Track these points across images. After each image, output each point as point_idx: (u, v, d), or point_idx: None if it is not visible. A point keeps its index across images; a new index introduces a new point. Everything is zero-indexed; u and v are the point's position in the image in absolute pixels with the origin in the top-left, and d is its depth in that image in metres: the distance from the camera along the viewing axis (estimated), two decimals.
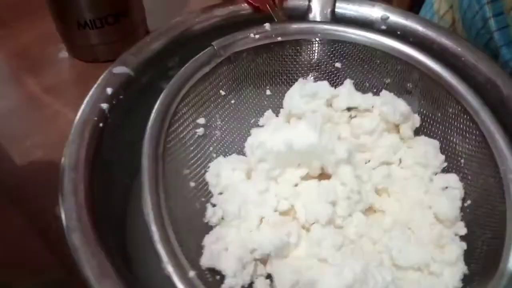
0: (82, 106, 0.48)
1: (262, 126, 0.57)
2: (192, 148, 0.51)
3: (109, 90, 0.49)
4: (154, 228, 0.40)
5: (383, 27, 0.59)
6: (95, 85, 0.50)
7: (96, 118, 0.47)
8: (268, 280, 0.47)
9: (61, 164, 0.45)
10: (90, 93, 0.49)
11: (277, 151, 0.48)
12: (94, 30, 0.72)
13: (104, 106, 0.48)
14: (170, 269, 0.38)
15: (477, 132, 0.50)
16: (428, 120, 0.55)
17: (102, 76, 0.51)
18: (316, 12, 0.58)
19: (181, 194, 0.47)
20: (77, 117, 0.47)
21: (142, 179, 0.42)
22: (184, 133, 0.50)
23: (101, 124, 0.47)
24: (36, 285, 0.51)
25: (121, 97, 0.49)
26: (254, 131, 0.55)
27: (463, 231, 0.49)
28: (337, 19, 0.58)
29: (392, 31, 0.57)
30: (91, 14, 0.70)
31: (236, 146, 0.56)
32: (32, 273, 0.54)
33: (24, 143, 0.69)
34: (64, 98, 0.74)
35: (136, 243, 0.46)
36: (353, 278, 0.42)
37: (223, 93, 0.54)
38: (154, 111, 0.46)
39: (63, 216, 0.42)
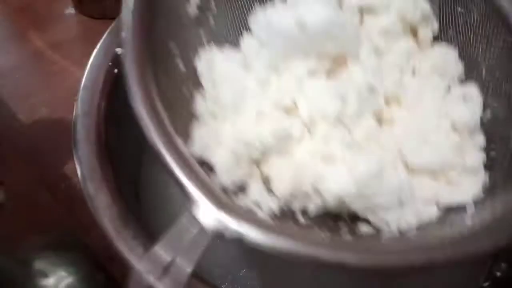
0: (95, 51, 0.45)
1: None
2: (184, 27, 0.45)
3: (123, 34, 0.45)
4: (138, 96, 0.34)
5: None
6: (108, 30, 0.47)
7: (110, 64, 0.45)
8: (264, 185, 0.42)
9: (74, 110, 0.43)
10: (103, 38, 0.46)
11: (287, 31, 0.43)
12: None
13: (120, 51, 0.45)
14: (156, 139, 0.33)
15: (507, 37, 0.44)
16: (449, 25, 0.49)
17: (114, 22, 0.47)
18: None
19: (170, 75, 0.41)
20: (90, 62, 0.45)
21: (124, 48, 0.37)
22: (176, 8, 0.44)
23: (115, 70, 0.44)
24: (49, 245, 0.49)
25: None
26: (256, 15, 0.47)
27: (482, 142, 0.44)
28: None
29: None
30: None
31: (231, 38, 0.49)
32: (42, 227, 0.53)
33: (29, 100, 0.67)
34: (70, 55, 0.72)
35: (150, 191, 0.44)
36: (368, 173, 0.37)
37: None
38: None
39: (77, 164, 0.40)
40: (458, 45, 0.49)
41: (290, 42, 0.43)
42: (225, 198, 0.34)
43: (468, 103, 0.45)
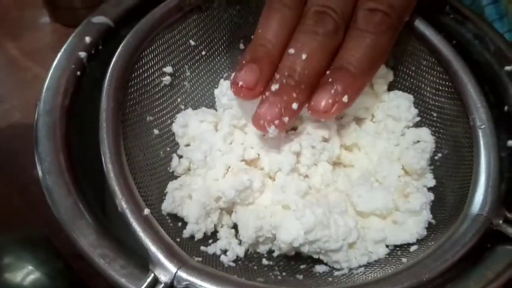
0: (59, 54, 0.47)
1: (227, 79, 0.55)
2: (157, 96, 0.50)
3: (87, 39, 0.47)
4: (109, 166, 0.39)
5: None
6: (73, 34, 0.49)
7: (73, 66, 0.46)
8: (233, 230, 0.47)
9: (36, 109, 0.44)
10: (68, 41, 0.48)
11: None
12: None
13: (82, 54, 0.47)
14: (123, 205, 0.38)
15: (450, 84, 0.49)
16: (402, 74, 0.54)
17: (80, 25, 0.50)
18: None
19: (144, 140, 0.47)
20: (54, 63, 0.47)
21: (100, 117, 0.41)
22: (149, 80, 0.49)
23: (78, 73, 0.46)
24: (16, 241, 0.51)
25: (100, 47, 0.48)
26: (221, 82, 0.54)
27: (431, 182, 0.49)
28: None
29: None
30: None
31: (207, 100, 0.55)
32: (11, 226, 0.54)
33: (3, 106, 0.69)
34: (44, 62, 0.74)
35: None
36: (314, 221, 0.42)
37: (193, 43, 0.53)
38: (116, 53, 0.45)
39: (36, 159, 0.41)
40: (412, 92, 0.53)
41: (250, 108, 0.47)
42: (183, 255, 0.38)
43: (419, 147, 0.49)
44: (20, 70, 0.74)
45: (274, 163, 0.46)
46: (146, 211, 0.38)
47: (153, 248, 0.36)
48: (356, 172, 0.49)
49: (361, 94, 0.52)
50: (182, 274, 0.36)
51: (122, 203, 0.38)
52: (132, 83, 0.46)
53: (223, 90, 0.50)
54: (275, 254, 0.46)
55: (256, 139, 0.48)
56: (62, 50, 0.48)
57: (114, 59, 0.45)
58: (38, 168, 0.41)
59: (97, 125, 0.43)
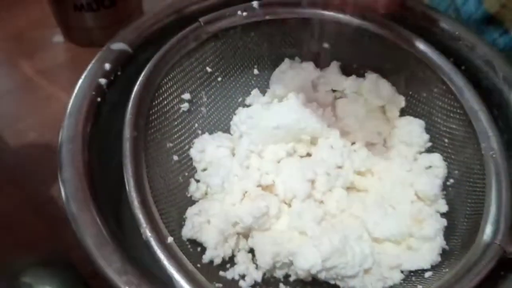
0: (80, 81, 0.48)
1: (248, 105, 0.57)
2: (176, 123, 0.51)
3: (107, 66, 0.49)
4: (133, 194, 0.40)
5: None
6: (93, 60, 0.50)
7: (94, 93, 0.48)
8: (250, 254, 0.48)
9: (59, 136, 0.45)
10: (88, 67, 0.49)
11: (263, 127, 0.50)
12: (90, 13, 0.72)
13: (102, 81, 0.48)
14: (148, 234, 0.39)
15: (461, 111, 0.50)
16: (413, 101, 0.55)
17: (100, 52, 0.51)
18: None
19: (164, 167, 0.48)
20: (75, 90, 0.48)
21: (123, 147, 0.43)
22: (168, 107, 0.50)
23: (98, 99, 0.48)
24: (35, 262, 0.52)
25: (119, 73, 0.49)
26: (239, 110, 0.56)
27: (444, 208, 0.50)
28: None
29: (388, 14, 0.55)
30: None
31: (222, 124, 0.56)
32: (29, 245, 0.55)
33: (17, 125, 0.70)
34: (58, 82, 0.75)
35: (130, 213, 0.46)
36: (331, 249, 0.43)
37: (209, 70, 0.54)
38: (137, 83, 0.47)
39: (61, 186, 0.42)
40: (424, 118, 0.54)
41: (267, 135, 0.50)
42: (205, 282, 0.39)
43: (432, 173, 0.50)
44: (34, 89, 0.75)
45: (289, 191, 0.48)
46: (170, 239, 0.39)
47: (177, 276, 0.37)
48: (370, 197, 0.50)
49: (373, 119, 0.54)
50: None
51: (147, 232, 0.39)
52: (153, 111, 0.48)
53: (242, 118, 0.52)
54: (291, 279, 0.47)
55: (271, 165, 0.50)
56: (83, 77, 0.49)
57: (135, 88, 0.46)
58: (63, 194, 0.42)
59: (115, 150, 0.45)
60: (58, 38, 0.80)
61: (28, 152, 0.67)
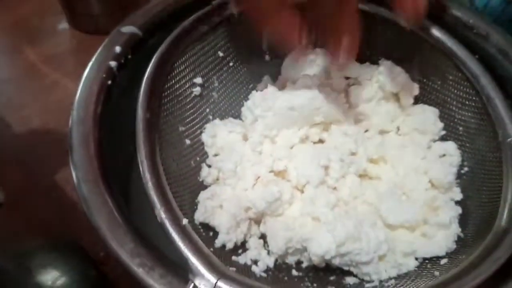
0: (90, 63, 0.48)
1: (260, 91, 0.56)
2: (188, 106, 0.50)
3: (117, 49, 0.48)
4: (147, 176, 0.40)
5: None
6: (104, 43, 0.50)
7: (104, 75, 0.47)
8: (261, 240, 0.47)
9: (70, 118, 0.45)
10: (99, 50, 0.49)
11: (278, 108, 0.49)
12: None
13: (113, 64, 0.48)
14: (162, 215, 0.38)
15: (477, 99, 0.49)
16: (428, 88, 0.54)
17: (110, 35, 0.50)
18: None
19: (177, 150, 0.47)
20: (85, 73, 0.47)
21: (137, 128, 0.42)
22: (181, 91, 0.50)
23: (109, 82, 0.47)
24: (46, 246, 0.51)
25: (129, 56, 0.49)
26: (253, 94, 0.55)
27: (458, 196, 0.49)
28: None
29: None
30: None
31: (233, 110, 0.56)
32: (37, 230, 0.56)
33: (22, 111, 0.69)
34: (63, 69, 0.75)
35: (139, 195, 0.44)
36: (346, 235, 0.42)
37: (221, 54, 0.54)
38: (150, 66, 0.46)
39: (72, 168, 0.42)
40: (438, 106, 0.53)
41: (282, 117, 0.49)
42: (221, 266, 0.38)
43: (446, 161, 0.50)
44: (39, 76, 0.74)
45: (302, 176, 0.47)
46: (185, 221, 0.39)
47: (193, 259, 0.37)
48: (383, 185, 0.49)
49: (386, 106, 0.53)
50: (222, 285, 0.36)
51: (161, 213, 0.38)
52: (166, 93, 0.47)
53: (256, 102, 0.51)
54: (303, 265, 0.46)
55: (284, 150, 0.49)
56: (93, 59, 0.49)
57: (148, 70, 0.46)
58: (74, 176, 0.41)
59: (126, 133, 0.44)
60: (63, 25, 0.79)
61: (34, 138, 0.67)
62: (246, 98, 0.56)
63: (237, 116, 0.55)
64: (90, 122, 0.44)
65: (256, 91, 0.56)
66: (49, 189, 0.60)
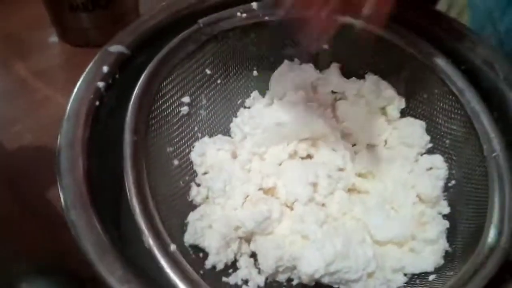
0: (78, 84, 0.48)
1: (248, 107, 0.57)
2: (176, 126, 0.51)
3: (105, 69, 0.48)
4: (135, 202, 0.40)
5: None
6: (91, 63, 0.49)
7: (92, 96, 0.47)
8: (251, 259, 0.47)
9: (58, 141, 0.44)
10: (86, 70, 0.49)
11: (266, 125, 0.49)
12: (86, 13, 0.72)
13: (100, 84, 0.48)
14: (150, 242, 0.38)
15: (462, 112, 0.50)
16: (414, 102, 0.55)
17: (97, 54, 0.50)
18: None
19: (165, 172, 0.47)
20: (73, 94, 0.47)
21: (124, 153, 0.42)
22: (168, 111, 0.50)
23: (97, 103, 0.47)
24: (32, 268, 0.52)
25: (116, 76, 0.49)
26: (241, 111, 0.55)
27: (446, 210, 0.50)
28: None
29: None
30: None
31: (222, 127, 0.56)
32: (27, 251, 0.55)
33: (13, 127, 0.69)
34: (54, 83, 0.74)
35: (129, 219, 0.44)
36: (334, 253, 0.43)
37: (209, 72, 0.54)
38: (137, 87, 0.46)
39: (61, 193, 0.42)
40: (424, 119, 0.54)
41: (270, 134, 0.50)
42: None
43: (433, 174, 0.50)
44: (30, 91, 0.73)
45: (291, 194, 0.47)
46: (173, 247, 0.39)
47: (181, 285, 0.37)
48: (371, 199, 0.50)
49: (373, 120, 0.53)
50: None
51: (149, 240, 0.38)
52: (153, 115, 0.47)
53: (245, 119, 0.52)
54: (294, 283, 0.46)
55: (273, 167, 0.49)
56: (81, 80, 0.49)
57: (135, 92, 0.46)
58: (62, 202, 0.41)
59: (114, 155, 0.44)
60: (53, 38, 0.79)
61: (25, 154, 0.66)
62: (235, 115, 0.56)
63: (226, 132, 0.55)
64: (78, 146, 0.44)
65: (245, 107, 0.56)
66: (39, 207, 0.60)
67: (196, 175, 0.51)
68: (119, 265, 0.38)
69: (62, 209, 0.42)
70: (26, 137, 0.67)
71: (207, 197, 0.50)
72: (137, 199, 0.40)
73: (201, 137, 0.53)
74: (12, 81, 0.75)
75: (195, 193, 0.49)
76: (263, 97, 0.57)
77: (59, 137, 0.45)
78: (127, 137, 0.43)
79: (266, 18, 0.54)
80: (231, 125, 0.55)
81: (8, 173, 0.64)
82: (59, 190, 0.42)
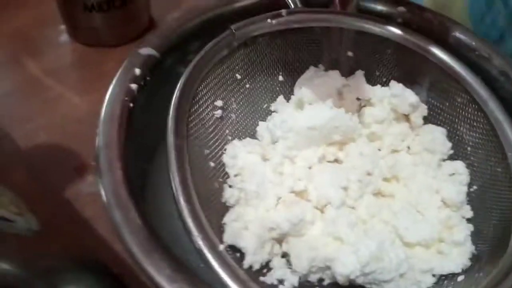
0: (111, 86, 0.49)
1: (274, 111, 0.58)
2: (211, 129, 0.52)
3: (137, 71, 0.50)
4: (182, 203, 0.41)
5: (399, 20, 0.60)
6: (123, 65, 0.51)
7: (126, 98, 0.48)
8: (284, 259, 0.49)
9: (96, 142, 0.46)
10: (118, 72, 0.50)
11: (299, 129, 0.51)
12: (100, 13, 0.72)
13: (134, 86, 0.49)
14: (200, 242, 0.39)
15: (485, 121, 0.52)
16: (436, 110, 0.57)
17: (128, 57, 0.52)
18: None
19: (204, 174, 0.49)
20: (107, 96, 0.48)
21: (169, 156, 0.43)
22: (204, 114, 0.51)
23: (131, 104, 0.48)
24: (69, 262, 0.52)
25: (148, 78, 0.50)
26: (272, 115, 0.57)
27: (469, 214, 0.51)
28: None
29: (407, 24, 0.59)
30: None
31: (249, 130, 0.57)
32: (63, 247, 0.54)
33: (26, 126, 0.67)
34: (66, 81, 0.73)
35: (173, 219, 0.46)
36: (369, 255, 0.44)
37: (239, 76, 0.55)
38: (176, 90, 0.47)
39: (102, 193, 0.43)
40: (446, 126, 0.56)
41: (302, 137, 0.52)
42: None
43: (456, 179, 0.52)
44: (42, 89, 0.73)
45: (323, 197, 0.49)
46: (221, 247, 0.40)
47: (231, 284, 0.38)
48: (397, 203, 0.51)
49: (397, 127, 0.55)
50: None
51: (199, 241, 0.39)
52: (191, 118, 0.48)
53: (277, 123, 0.53)
54: (325, 283, 0.48)
55: (304, 171, 0.51)
56: (114, 82, 0.50)
57: (175, 96, 0.47)
58: (104, 201, 0.42)
59: (150, 155, 0.45)
60: (64, 37, 0.79)
61: (39, 153, 0.65)
62: (261, 118, 0.58)
63: (253, 135, 0.57)
64: (115, 146, 0.45)
65: (272, 111, 0.58)
66: (57, 206, 0.59)
67: (228, 177, 0.52)
68: (167, 264, 0.39)
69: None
70: (40, 135, 0.66)
71: (239, 199, 0.51)
72: (184, 200, 0.41)
73: (231, 140, 0.54)
74: (23, 80, 0.74)
75: (229, 195, 0.50)
76: (287, 101, 0.59)
77: (97, 138, 0.46)
78: (171, 140, 0.44)
79: (295, 25, 0.56)
80: (258, 128, 0.56)
81: (24, 171, 0.64)
82: (101, 190, 0.43)
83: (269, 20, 0.54)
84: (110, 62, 0.70)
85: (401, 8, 0.60)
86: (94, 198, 0.47)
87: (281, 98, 0.59)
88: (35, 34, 0.79)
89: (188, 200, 0.41)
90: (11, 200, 0.52)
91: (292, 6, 0.56)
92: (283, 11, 0.55)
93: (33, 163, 0.65)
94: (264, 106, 0.59)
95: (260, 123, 0.57)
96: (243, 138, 0.55)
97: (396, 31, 0.56)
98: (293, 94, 0.59)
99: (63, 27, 0.78)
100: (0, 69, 0.76)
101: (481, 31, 0.64)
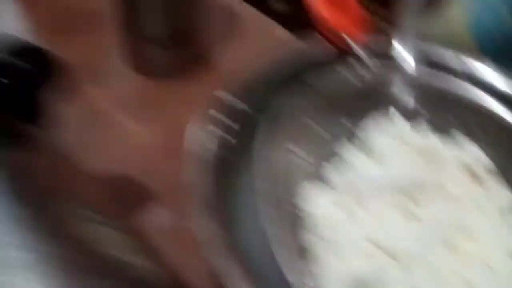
0: (189, 127, 0.53)
1: (339, 154, 0.60)
2: (284, 173, 0.54)
3: (213, 112, 0.55)
4: (278, 250, 0.44)
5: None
6: (203, 107, 0.55)
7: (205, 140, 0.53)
8: None
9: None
10: (199, 114, 0.54)
11: (369, 176, 0.54)
12: (163, 49, 0.75)
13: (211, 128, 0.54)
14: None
15: None
16: (497, 162, 0.58)
17: (207, 99, 0.56)
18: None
19: (285, 219, 0.50)
20: (188, 138, 0.53)
21: (257, 202, 0.46)
22: (279, 159, 0.53)
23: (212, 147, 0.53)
24: None
25: (225, 122, 0.54)
26: (338, 160, 0.59)
27: None
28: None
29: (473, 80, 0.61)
30: (164, 30, 0.74)
31: (317, 174, 0.58)
32: None
33: (89, 155, 0.67)
34: (128, 113, 0.75)
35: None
36: None
37: (309, 122, 0.58)
38: (257, 138, 0.52)
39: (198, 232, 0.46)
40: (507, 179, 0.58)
41: (375, 185, 0.54)
42: None
43: None
44: (104, 119, 0.75)
45: (399, 247, 0.50)
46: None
47: None
48: (467, 256, 0.52)
49: (461, 176, 0.57)
50: None
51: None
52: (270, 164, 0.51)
53: (345, 168, 0.56)
54: None
55: (377, 219, 0.52)
56: (192, 124, 0.53)
57: (256, 143, 0.51)
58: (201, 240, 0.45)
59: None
60: (126, 70, 0.80)
61: (103, 184, 0.66)
62: (328, 161, 0.59)
63: (321, 179, 0.58)
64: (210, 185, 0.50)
65: (336, 155, 0.59)
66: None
67: (304, 222, 0.53)
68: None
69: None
70: (109, 167, 0.68)
71: (315, 244, 0.52)
72: (279, 248, 0.44)
73: (302, 183, 0.56)
74: (86, 109, 0.75)
75: (305, 240, 0.51)
76: (352, 145, 0.60)
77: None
78: (257, 185, 0.47)
79: (363, 73, 0.59)
80: (326, 171, 0.58)
81: (86, 201, 0.65)
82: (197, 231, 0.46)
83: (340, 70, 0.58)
84: (169, 94, 0.75)
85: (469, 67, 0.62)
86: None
87: (345, 140, 0.60)
88: (97, 64, 0.80)
89: (282, 248, 0.44)
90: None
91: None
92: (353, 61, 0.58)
93: (97, 193, 0.66)
94: (330, 148, 0.60)
95: (328, 166, 0.58)
96: (314, 182, 0.57)
97: (465, 86, 0.60)
98: (357, 138, 0.60)
99: (123, 59, 0.80)
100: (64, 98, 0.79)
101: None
